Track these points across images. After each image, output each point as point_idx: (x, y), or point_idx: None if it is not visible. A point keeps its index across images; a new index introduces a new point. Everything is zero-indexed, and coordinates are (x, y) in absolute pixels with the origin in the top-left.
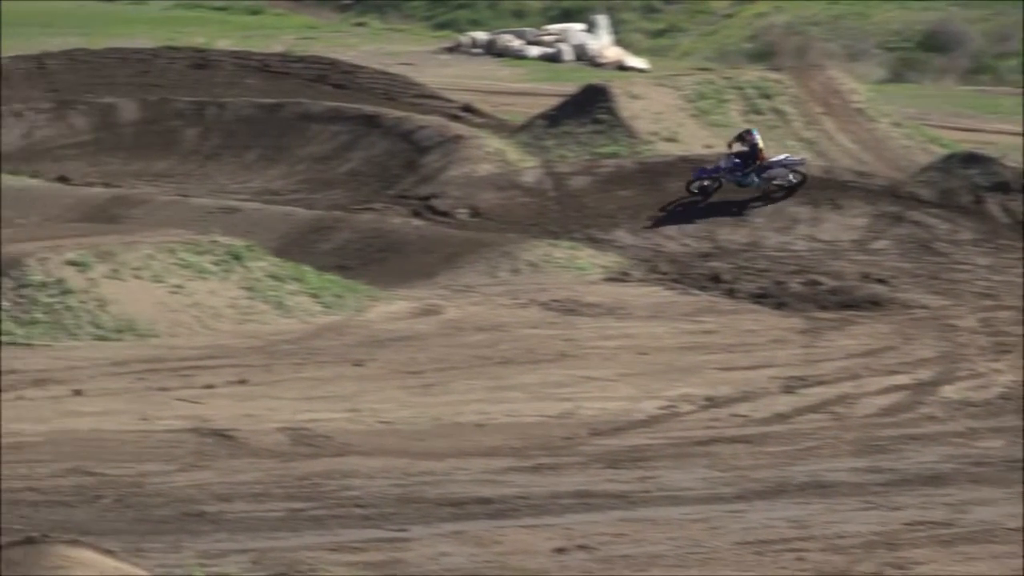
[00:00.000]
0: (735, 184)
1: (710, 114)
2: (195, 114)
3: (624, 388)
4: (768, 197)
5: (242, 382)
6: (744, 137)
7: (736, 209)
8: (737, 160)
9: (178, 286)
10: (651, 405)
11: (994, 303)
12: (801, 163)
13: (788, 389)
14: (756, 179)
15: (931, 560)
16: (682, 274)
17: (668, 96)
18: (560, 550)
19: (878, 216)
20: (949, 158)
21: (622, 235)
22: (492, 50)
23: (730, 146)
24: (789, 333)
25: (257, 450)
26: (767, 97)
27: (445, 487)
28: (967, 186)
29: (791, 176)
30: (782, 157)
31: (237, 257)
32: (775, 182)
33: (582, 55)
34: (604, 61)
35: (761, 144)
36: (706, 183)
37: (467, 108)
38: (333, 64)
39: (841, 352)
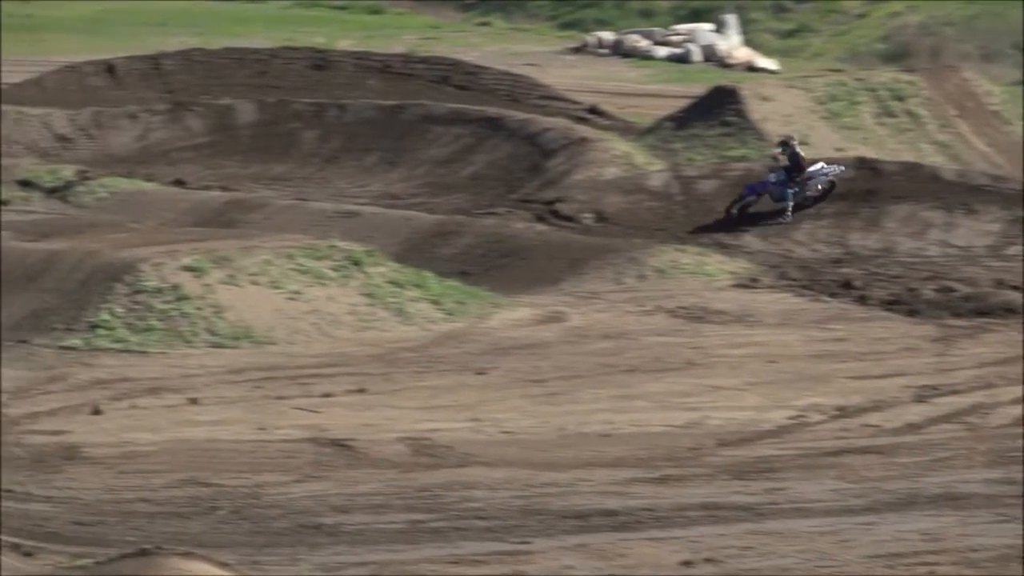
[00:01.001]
0: (776, 199)
1: (842, 116)
2: (314, 116)
3: (752, 397)
4: (800, 206)
5: (361, 391)
6: (787, 143)
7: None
8: (784, 173)
9: (296, 292)
10: (780, 415)
11: None
12: (839, 171)
13: (920, 398)
14: (791, 195)
15: None
16: (812, 280)
17: (799, 98)
18: (687, 563)
19: (1013, 221)
20: None
21: (751, 240)
22: (619, 50)
23: (776, 159)
24: (921, 341)
25: (376, 460)
26: (900, 99)
27: (569, 499)
28: None
29: (819, 185)
30: (819, 166)
31: (357, 263)
32: (807, 193)
33: (711, 56)
34: (733, 62)
35: (802, 152)
36: (745, 202)
37: (593, 110)
38: (456, 65)
39: (974, 361)
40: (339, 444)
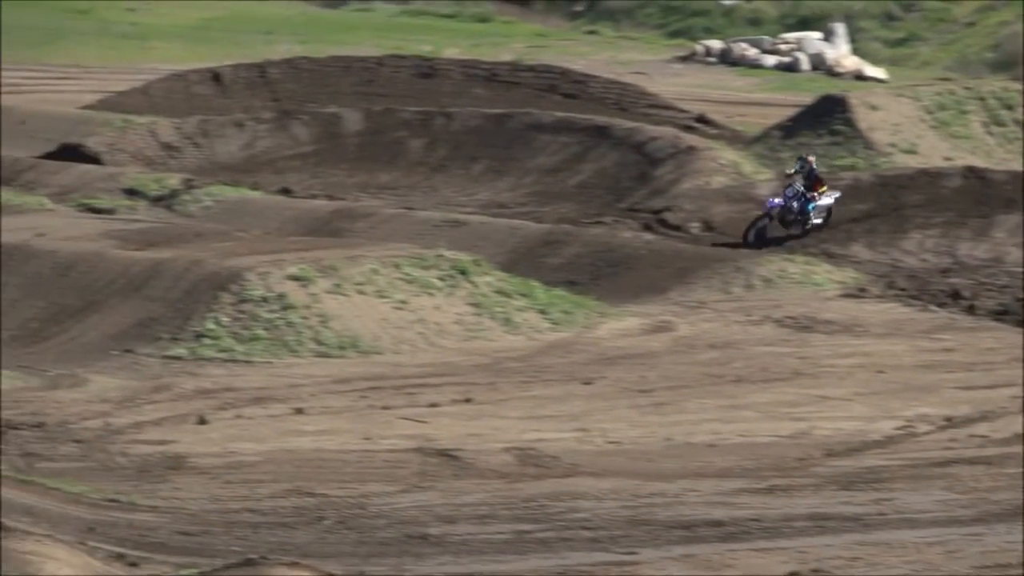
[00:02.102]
0: (793, 219)
1: (951, 126)
2: (421, 125)
3: (860, 407)
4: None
5: (467, 400)
6: (804, 159)
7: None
8: (799, 188)
9: (402, 302)
10: (887, 425)
11: None
12: (836, 196)
13: None
14: (812, 208)
15: None
16: (920, 290)
17: (907, 107)
18: (793, 574)
19: None
20: None
21: (859, 250)
22: (727, 59)
23: (789, 176)
24: None
25: (482, 470)
26: (1009, 108)
27: (675, 509)
28: None
29: (818, 218)
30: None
31: (463, 272)
32: (814, 221)
33: (819, 64)
34: (842, 71)
35: (819, 172)
36: (761, 225)
37: (701, 119)
38: (563, 73)
39: None
40: (445, 454)
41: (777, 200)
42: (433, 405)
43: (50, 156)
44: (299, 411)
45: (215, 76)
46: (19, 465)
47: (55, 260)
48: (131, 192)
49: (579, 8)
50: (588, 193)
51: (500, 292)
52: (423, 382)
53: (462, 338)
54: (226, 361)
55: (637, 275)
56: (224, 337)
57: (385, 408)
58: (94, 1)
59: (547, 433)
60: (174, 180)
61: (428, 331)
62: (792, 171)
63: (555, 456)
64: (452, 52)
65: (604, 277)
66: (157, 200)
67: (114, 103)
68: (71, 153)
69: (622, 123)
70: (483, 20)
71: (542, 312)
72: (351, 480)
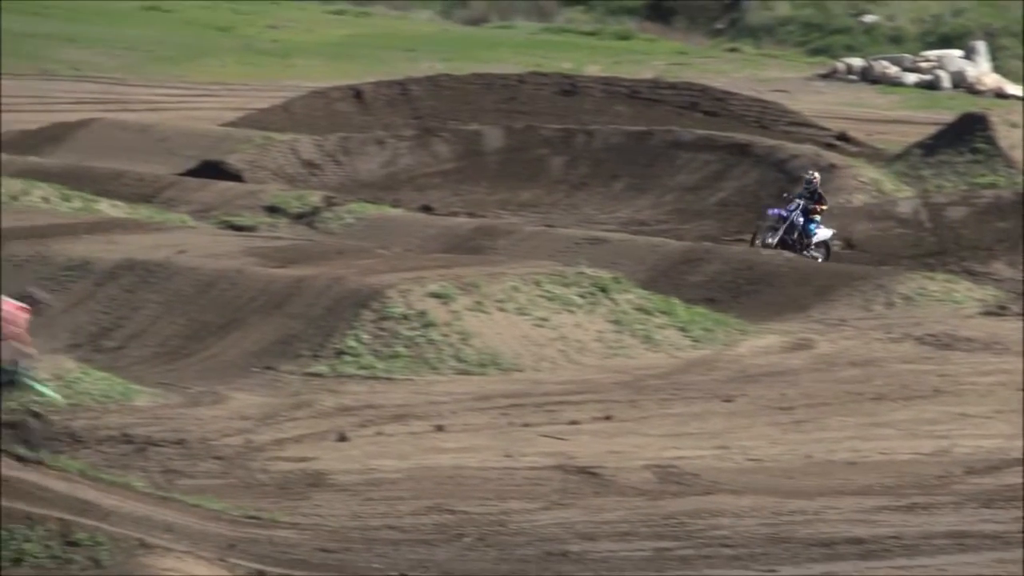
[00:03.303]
0: (794, 236)
1: None
2: (562, 142)
3: (1000, 425)
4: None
5: (608, 418)
6: (811, 175)
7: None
8: (799, 203)
9: (543, 319)
10: None
11: None
12: (833, 232)
13: None
14: (813, 230)
15: None
16: None
17: None
18: None
19: None
20: None
21: (1000, 267)
22: (868, 76)
23: (787, 196)
24: None
25: (623, 488)
26: None
27: (815, 526)
28: None
29: (816, 254)
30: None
31: (604, 289)
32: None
33: (960, 82)
34: (982, 88)
35: (821, 191)
36: (770, 238)
37: (842, 136)
38: (704, 91)
39: None
40: (585, 471)
41: (778, 210)
42: (573, 422)
43: (191, 173)
44: (439, 428)
45: (357, 93)
46: (159, 482)
47: (196, 277)
48: (272, 209)
49: (720, 26)
50: (729, 211)
51: (640, 309)
52: (563, 399)
53: (602, 355)
54: (367, 378)
55: (777, 293)
56: (365, 354)
57: (525, 425)
58: (237, 3)
59: (687, 451)
60: (315, 197)
61: (568, 348)
62: (792, 196)
63: (695, 473)
64: (593, 69)
65: (744, 295)
66: (298, 217)
67: (255, 120)
68: (212, 170)
69: (763, 141)
70: (624, 37)
71: (682, 330)
72: (491, 497)
